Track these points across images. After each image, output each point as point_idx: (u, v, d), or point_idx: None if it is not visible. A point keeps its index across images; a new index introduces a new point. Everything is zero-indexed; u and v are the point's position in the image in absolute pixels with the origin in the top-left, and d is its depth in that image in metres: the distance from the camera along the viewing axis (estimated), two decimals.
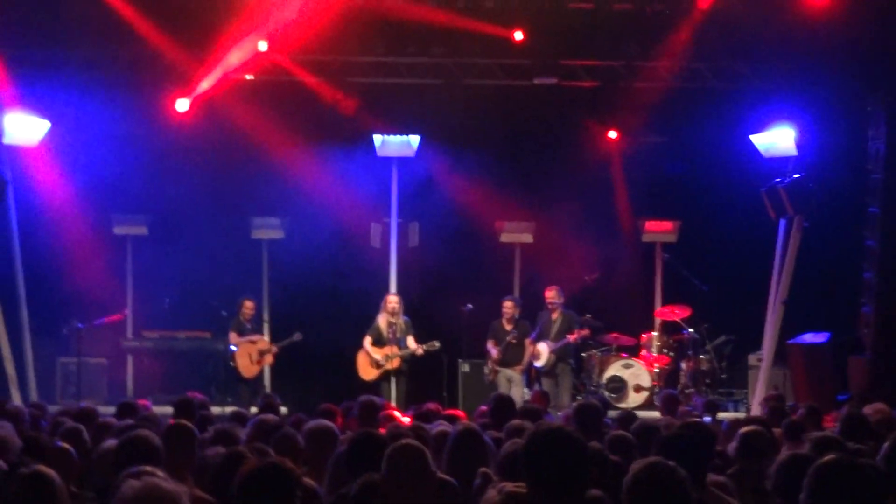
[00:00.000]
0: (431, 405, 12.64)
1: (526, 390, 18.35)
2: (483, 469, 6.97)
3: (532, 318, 18.70)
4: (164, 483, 4.27)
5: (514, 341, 18.32)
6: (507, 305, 18.59)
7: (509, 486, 5.25)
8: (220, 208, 20.50)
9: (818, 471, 5.04)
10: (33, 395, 18.35)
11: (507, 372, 18.32)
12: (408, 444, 6.33)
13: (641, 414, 16.68)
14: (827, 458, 5.17)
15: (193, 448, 8.07)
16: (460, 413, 12.97)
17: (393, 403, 16.12)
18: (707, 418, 12.82)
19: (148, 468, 5.48)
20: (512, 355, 18.36)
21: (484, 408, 12.41)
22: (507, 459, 6.95)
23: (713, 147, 19.93)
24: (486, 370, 18.60)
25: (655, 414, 15.31)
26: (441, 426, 9.12)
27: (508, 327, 18.43)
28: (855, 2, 17.20)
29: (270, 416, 9.54)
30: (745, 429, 8.11)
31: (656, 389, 18.56)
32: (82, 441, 8.90)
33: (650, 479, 5.26)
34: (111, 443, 7.63)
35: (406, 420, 11.57)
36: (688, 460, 5.74)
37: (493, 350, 18.39)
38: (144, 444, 6.57)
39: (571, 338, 18.20)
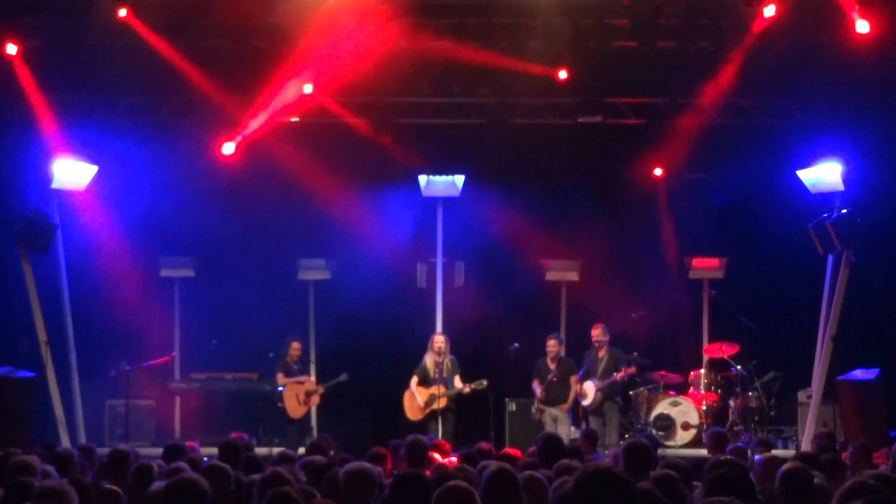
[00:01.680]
0: (484, 445, 12.54)
1: (573, 428, 18.27)
2: None
3: (579, 357, 18.63)
4: None
5: (555, 379, 18.25)
6: (551, 344, 18.55)
7: None
8: (267, 250, 20.60)
9: None
10: (82, 437, 18.41)
11: (552, 411, 18.24)
12: (456, 485, 6.30)
13: (689, 452, 16.67)
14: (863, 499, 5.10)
15: (229, 489, 8.11)
16: (516, 452, 12.89)
17: None
18: (758, 457, 12.67)
19: None
20: (556, 394, 18.28)
21: (533, 448, 12.34)
22: (557, 500, 6.91)
23: (759, 183, 19.85)
24: (532, 409, 18.54)
25: (703, 452, 15.21)
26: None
27: (552, 366, 18.37)
28: None
29: (318, 458, 9.53)
30: (786, 466, 7.97)
31: (704, 427, 18.42)
32: (150, 476, 9.01)
33: None
34: (158, 485, 7.68)
35: (452, 460, 11.52)
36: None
37: (538, 389, 18.34)
38: (192, 487, 6.59)
39: (618, 376, 18.12)
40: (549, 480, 8.11)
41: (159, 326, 20.57)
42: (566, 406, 18.28)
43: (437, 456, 11.84)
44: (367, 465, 8.24)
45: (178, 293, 21.19)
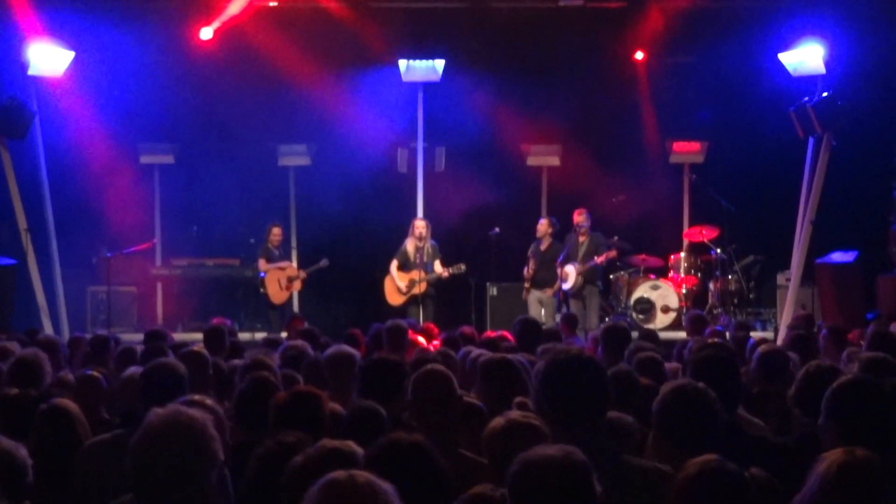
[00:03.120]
0: (467, 329, 12.60)
1: (558, 314, 18.38)
2: (520, 399, 6.91)
3: (560, 241, 18.66)
4: (189, 411, 4.31)
5: (531, 255, 18.25)
6: (540, 223, 18.55)
7: (514, 413, 5.24)
8: (247, 136, 20.48)
9: (838, 391, 5.01)
10: (64, 325, 18.48)
11: (537, 293, 18.31)
12: (433, 369, 6.36)
13: (669, 335, 16.80)
14: (846, 378, 5.14)
15: (207, 374, 8.18)
16: (490, 333, 12.93)
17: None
18: (751, 339, 12.76)
19: (196, 397, 5.58)
20: (541, 277, 18.30)
21: (504, 333, 12.40)
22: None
23: (741, 66, 19.76)
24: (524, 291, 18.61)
25: (682, 334, 15.32)
26: (474, 352, 9.06)
27: (542, 247, 18.41)
28: None
29: (298, 343, 9.60)
30: (761, 349, 8.05)
31: (684, 310, 18.54)
32: (133, 361, 9.15)
33: (680, 401, 5.21)
34: (135, 370, 7.73)
35: (436, 344, 11.59)
36: (715, 382, 5.67)
37: (526, 268, 18.40)
38: (170, 372, 6.63)
39: (599, 260, 18.14)
40: (531, 364, 8.17)
41: (139, 213, 20.53)
42: (552, 290, 18.32)
43: (420, 339, 11.93)
44: (346, 348, 8.27)
45: (157, 180, 21.13)
